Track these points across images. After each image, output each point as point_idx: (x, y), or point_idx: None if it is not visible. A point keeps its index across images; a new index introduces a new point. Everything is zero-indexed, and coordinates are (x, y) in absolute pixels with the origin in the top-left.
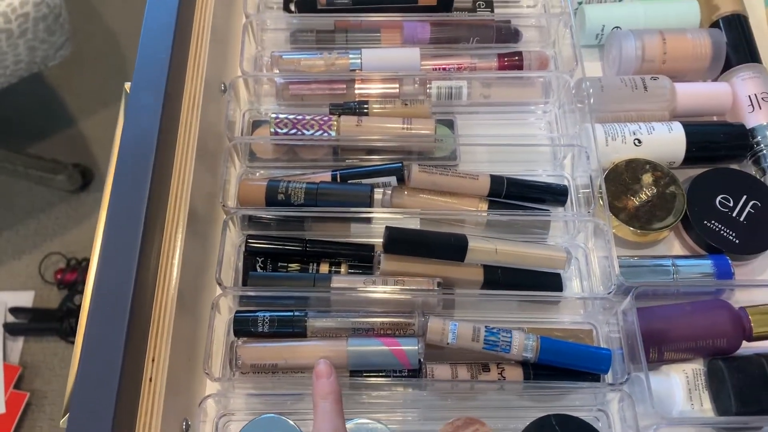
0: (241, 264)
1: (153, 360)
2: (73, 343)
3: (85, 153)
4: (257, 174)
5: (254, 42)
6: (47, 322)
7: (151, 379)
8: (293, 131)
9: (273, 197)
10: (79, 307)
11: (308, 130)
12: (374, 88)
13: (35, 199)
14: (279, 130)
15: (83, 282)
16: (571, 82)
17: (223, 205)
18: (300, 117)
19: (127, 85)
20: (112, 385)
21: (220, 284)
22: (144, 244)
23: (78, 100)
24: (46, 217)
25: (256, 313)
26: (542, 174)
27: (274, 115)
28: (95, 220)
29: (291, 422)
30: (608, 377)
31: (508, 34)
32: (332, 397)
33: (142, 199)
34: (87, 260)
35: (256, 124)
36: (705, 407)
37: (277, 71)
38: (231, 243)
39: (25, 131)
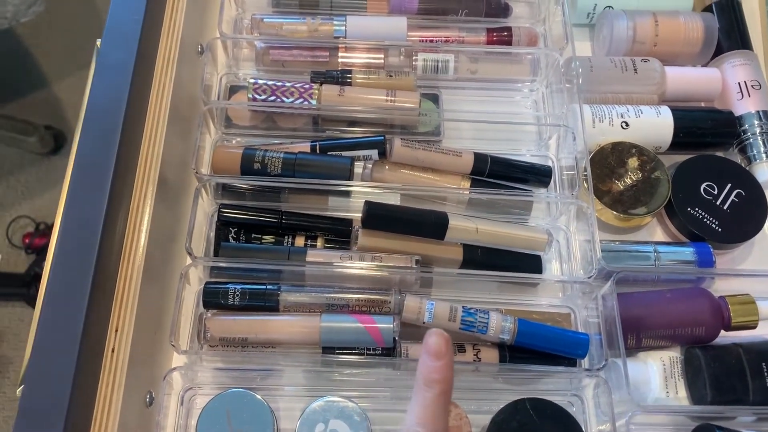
0: (213, 234)
1: (116, 330)
2: None
3: (58, 116)
4: (233, 141)
5: (235, 4)
6: (14, 287)
7: (113, 350)
8: (272, 98)
9: (249, 166)
10: None
11: (288, 98)
12: (358, 58)
13: (5, 160)
14: (257, 96)
15: None
16: (560, 60)
17: (196, 172)
18: (280, 84)
19: (99, 42)
20: (71, 355)
21: (190, 254)
22: (110, 208)
23: (53, 61)
24: (15, 180)
25: (227, 285)
26: (526, 154)
27: (252, 80)
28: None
29: (259, 397)
30: (584, 362)
31: (498, 7)
32: (439, 388)
33: (109, 162)
34: None
35: (233, 90)
36: (680, 395)
37: (258, 35)
38: (203, 212)
39: None
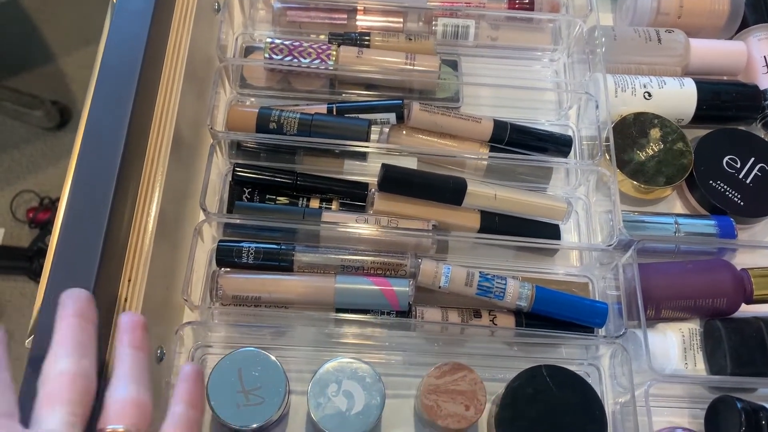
0: (226, 195)
1: (129, 280)
2: None
3: (64, 91)
4: (247, 102)
5: None
6: (16, 261)
7: (126, 299)
8: (289, 58)
9: (264, 125)
10: None
11: (305, 58)
12: (376, 21)
13: (9, 134)
14: (274, 56)
15: None
16: (584, 27)
17: (211, 128)
18: (297, 44)
19: None
20: None
21: (204, 210)
22: (124, 161)
23: (60, 35)
24: (20, 154)
25: (241, 244)
26: (545, 123)
27: (269, 40)
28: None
29: (272, 357)
30: (602, 332)
31: None
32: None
33: (124, 114)
34: None
35: (248, 51)
36: (699, 367)
37: None
38: (217, 172)
39: (3, 62)
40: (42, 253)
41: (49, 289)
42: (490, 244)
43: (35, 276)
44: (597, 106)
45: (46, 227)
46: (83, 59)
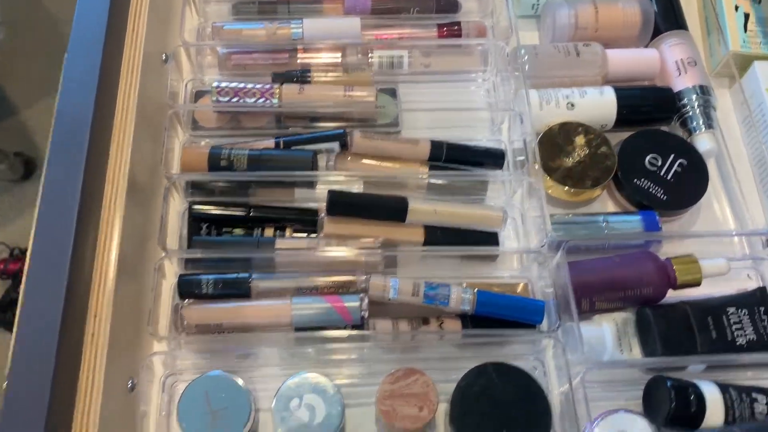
0: (185, 231)
1: (95, 316)
2: None
3: (27, 142)
4: (201, 143)
5: (196, 14)
6: None
7: (93, 334)
8: (235, 99)
9: (216, 164)
10: None
11: (250, 99)
12: (317, 58)
13: None
14: (221, 99)
15: None
16: (506, 49)
17: (165, 173)
18: (242, 86)
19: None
20: (52, 338)
21: (163, 248)
22: (82, 210)
23: (20, 87)
24: None
25: (200, 276)
26: (482, 140)
27: (215, 84)
28: None
29: (235, 378)
30: (543, 328)
31: (448, 4)
32: None
33: (78, 167)
34: None
35: (199, 94)
36: (634, 352)
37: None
38: (175, 211)
39: None
40: (14, 303)
41: (20, 334)
42: (434, 256)
43: (9, 326)
44: (522, 121)
45: (17, 277)
46: (44, 110)
